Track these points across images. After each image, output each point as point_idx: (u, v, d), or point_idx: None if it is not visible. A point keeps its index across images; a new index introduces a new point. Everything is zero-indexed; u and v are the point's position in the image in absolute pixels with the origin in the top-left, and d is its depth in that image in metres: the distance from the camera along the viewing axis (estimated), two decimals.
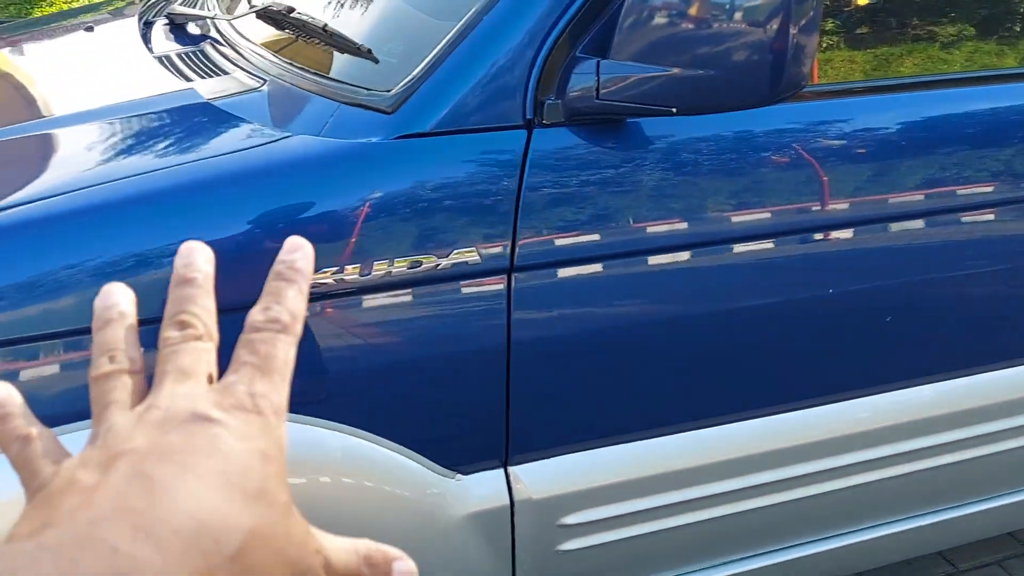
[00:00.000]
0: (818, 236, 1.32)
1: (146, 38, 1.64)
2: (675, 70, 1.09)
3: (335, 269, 1.11)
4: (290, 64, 1.32)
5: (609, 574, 1.45)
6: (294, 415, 1.15)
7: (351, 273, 1.12)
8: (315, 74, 1.27)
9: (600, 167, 1.19)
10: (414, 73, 1.17)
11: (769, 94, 1.10)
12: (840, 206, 1.33)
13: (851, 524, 1.55)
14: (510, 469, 1.30)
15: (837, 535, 1.52)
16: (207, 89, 1.34)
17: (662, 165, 1.21)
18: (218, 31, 1.56)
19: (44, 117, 1.42)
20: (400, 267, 1.13)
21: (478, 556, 1.32)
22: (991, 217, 1.45)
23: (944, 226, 1.43)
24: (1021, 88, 1.47)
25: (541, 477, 1.31)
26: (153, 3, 1.83)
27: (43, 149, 1.33)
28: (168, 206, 1.10)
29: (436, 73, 1.16)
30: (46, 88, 1.60)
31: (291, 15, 1.33)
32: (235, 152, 1.16)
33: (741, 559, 1.53)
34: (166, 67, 1.49)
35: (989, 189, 1.43)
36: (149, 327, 0.40)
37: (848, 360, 1.43)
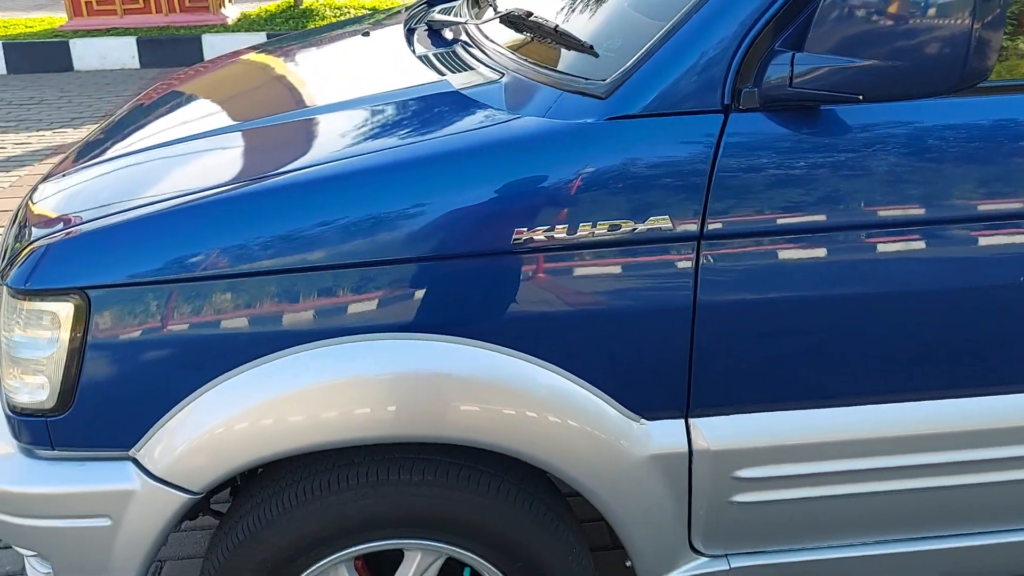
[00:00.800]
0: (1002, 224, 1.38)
1: (409, 41, 1.95)
2: (863, 62, 1.22)
3: (547, 228, 1.32)
4: (524, 60, 1.56)
5: (777, 532, 1.56)
6: (511, 350, 1.37)
7: (560, 232, 1.33)
8: (544, 67, 1.50)
9: (791, 150, 1.33)
10: (627, 65, 1.37)
11: (954, 84, 1.21)
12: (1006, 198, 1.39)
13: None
14: (691, 420, 1.46)
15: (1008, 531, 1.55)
16: (457, 81, 1.60)
17: (844, 151, 1.34)
18: (468, 35, 1.83)
19: (328, 103, 1.74)
20: (602, 230, 1.33)
21: (658, 496, 1.48)
22: None
23: None
24: None
25: (720, 431, 1.46)
26: (415, 14, 2.16)
27: (326, 127, 1.64)
28: (422, 169, 1.36)
29: (646, 64, 1.35)
30: (330, 80, 1.94)
31: (529, 19, 1.57)
32: (476, 129, 1.40)
33: (908, 539, 1.59)
34: (425, 64, 1.78)
35: None
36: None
37: None
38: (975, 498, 1.56)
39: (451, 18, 1.95)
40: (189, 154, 1.62)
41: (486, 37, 1.76)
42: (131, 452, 1.42)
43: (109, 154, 1.73)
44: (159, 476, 1.42)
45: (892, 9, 1.21)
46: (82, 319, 1.36)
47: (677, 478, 1.48)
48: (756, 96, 1.33)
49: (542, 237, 1.33)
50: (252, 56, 2.33)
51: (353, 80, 1.88)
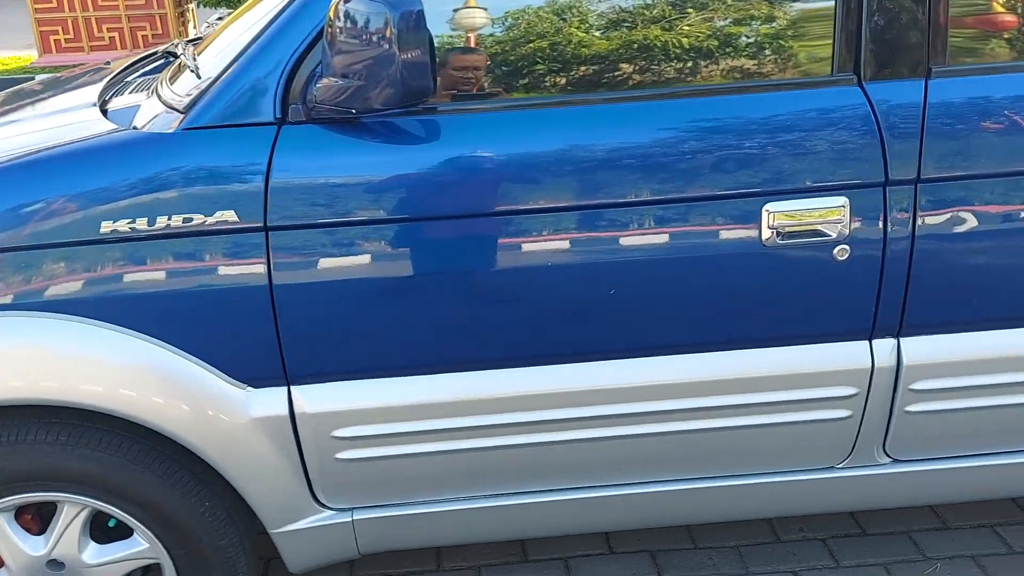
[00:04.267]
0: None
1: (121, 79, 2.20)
2: (345, 82, 1.48)
3: (130, 220, 1.58)
4: (165, 84, 1.84)
5: (391, 487, 1.79)
6: (116, 326, 1.62)
7: (141, 224, 1.58)
8: (169, 89, 1.77)
9: (334, 155, 1.60)
10: (203, 84, 1.64)
11: (402, 99, 1.47)
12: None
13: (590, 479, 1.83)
14: (292, 388, 1.70)
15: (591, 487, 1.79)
16: (114, 105, 1.88)
17: (379, 155, 1.61)
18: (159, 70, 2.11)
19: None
20: (177, 222, 1.58)
21: (270, 455, 1.72)
22: None
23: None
24: None
25: (317, 396, 1.70)
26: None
27: None
28: (25, 172, 1.62)
29: (216, 84, 1.62)
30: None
31: (176, 50, 1.85)
32: (82, 140, 1.66)
33: (514, 493, 1.82)
34: (107, 94, 2.03)
35: None
36: None
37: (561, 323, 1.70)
38: (553, 456, 1.79)
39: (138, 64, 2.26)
40: None
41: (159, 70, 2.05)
42: None
43: None
44: None
45: (352, 38, 1.47)
46: None
47: (284, 439, 1.71)
48: (302, 111, 1.59)
49: (126, 228, 1.58)
50: None
51: (42, 105, 2.15)
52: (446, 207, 1.62)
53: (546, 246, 1.65)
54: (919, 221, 1.68)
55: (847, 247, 1.68)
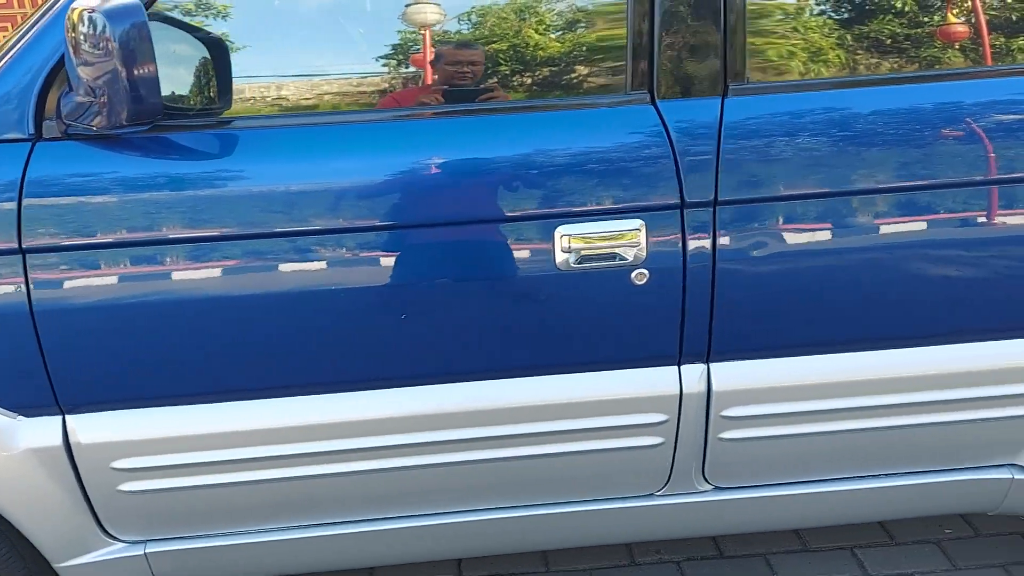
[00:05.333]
0: None
1: None
2: (84, 99, 1.40)
3: None
4: None
5: (182, 519, 1.72)
6: None
7: None
8: None
9: (90, 173, 1.52)
10: None
11: (133, 118, 1.39)
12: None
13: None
14: (67, 417, 1.62)
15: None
16: None
17: (130, 172, 1.53)
18: None
19: None
20: None
21: (46, 486, 1.64)
22: None
23: None
24: None
25: (91, 425, 1.62)
26: None
27: None
28: None
29: None
30: None
31: None
32: None
33: (310, 525, 1.75)
34: None
35: None
36: None
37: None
38: (340, 488, 1.72)
39: None
40: None
41: None
42: None
43: None
44: None
45: (87, 55, 1.40)
46: None
47: (62, 471, 1.64)
48: (55, 127, 1.52)
49: None
50: None
51: None
52: (203, 228, 1.54)
53: (304, 268, 1.57)
54: (720, 245, 1.62)
55: (645, 271, 1.61)
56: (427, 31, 1.66)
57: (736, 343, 1.69)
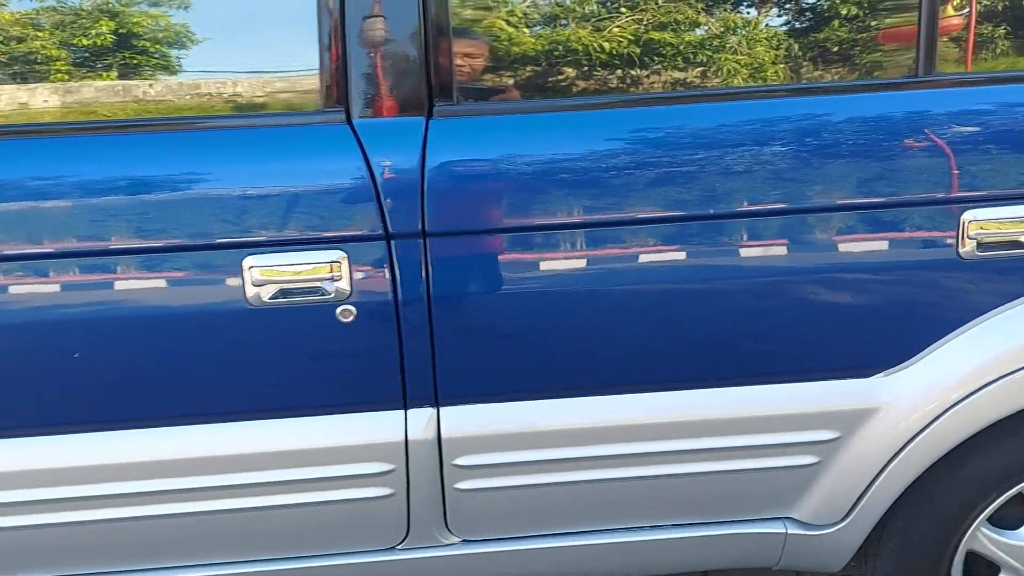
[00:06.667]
0: None
1: None
2: None
3: None
4: None
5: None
6: None
7: None
8: None
9: None
10: None
11: None
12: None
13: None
14: None
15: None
16: None
17: None
18: None
19: None
20: None
21: None
22: None
23: None
24: None
25: None
26: None
27: None
28: None
29: None
30: None
31: None
32: None
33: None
34: None
35: None
36: None
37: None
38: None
39: None
40: None
41: None
42: None
43: None
44: None
45: None
46: None
47: None
48: None
49: None
50: None
51: None
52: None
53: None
54: (434, 280, 1.47)
55: (351, 308, 1.47)
56: None
57: (464, 386, 1.54)
